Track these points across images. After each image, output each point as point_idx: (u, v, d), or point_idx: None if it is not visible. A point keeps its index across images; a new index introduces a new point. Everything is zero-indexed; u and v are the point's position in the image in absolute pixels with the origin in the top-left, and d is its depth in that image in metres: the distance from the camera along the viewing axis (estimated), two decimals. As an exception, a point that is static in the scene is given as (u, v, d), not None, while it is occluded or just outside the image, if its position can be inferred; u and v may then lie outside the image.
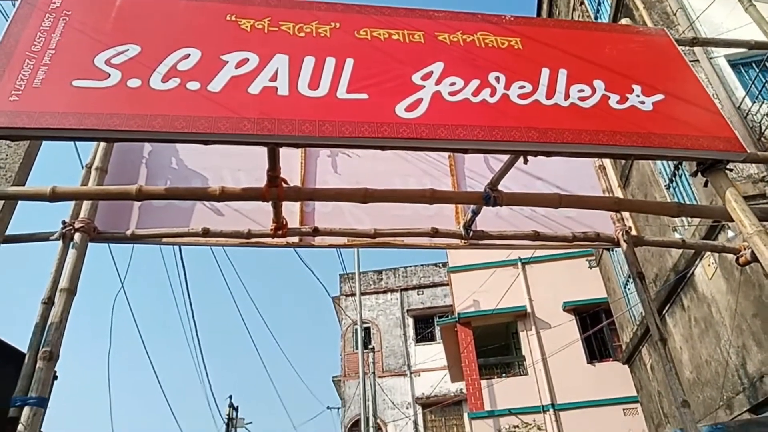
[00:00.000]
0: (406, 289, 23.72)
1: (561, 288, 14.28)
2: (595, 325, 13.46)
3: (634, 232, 4.16)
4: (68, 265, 3.32)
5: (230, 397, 21.73)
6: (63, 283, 3.24)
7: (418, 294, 23.60)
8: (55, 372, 8.67)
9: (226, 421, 20.71)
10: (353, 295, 20.36)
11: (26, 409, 2.86)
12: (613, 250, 10.90)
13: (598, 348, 13.91)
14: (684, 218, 7.30)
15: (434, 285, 23.59)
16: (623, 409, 12.63)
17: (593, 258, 13.31)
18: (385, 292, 23.71)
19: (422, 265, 24.46)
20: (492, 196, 3.40)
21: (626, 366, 11.18)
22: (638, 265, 3.89)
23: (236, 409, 21.52)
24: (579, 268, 14.45)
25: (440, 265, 23.73)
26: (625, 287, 10.57)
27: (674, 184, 7.60)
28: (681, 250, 7.46)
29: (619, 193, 4.31)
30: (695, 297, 7.46)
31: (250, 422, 22.35)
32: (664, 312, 8.36)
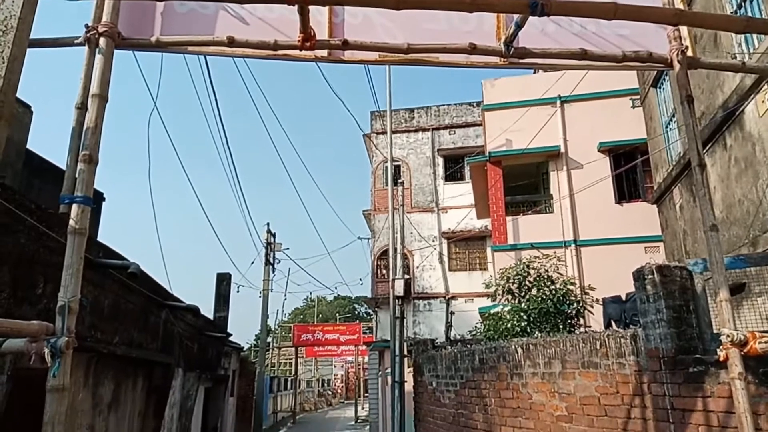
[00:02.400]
0: (437, 129, 23.48)
1: (598, 128, 13.88)
2: (629, 167, 13.31)
3: (690, 53, 3.82)
4: (96, 71, 3.27)
5: (267, 224, 23.12)
6: (93, 89, 3.23)
7: (449, 134, 23.38)
8: (102, 193, 9.05)
9: (265, 245, 22.32)
10: (384, 132, 20.29)
11: (74, 207, 3.04)
12: (660, 87, 10.28)
13: (628, 189, 13.91)
14: (746, 48, 6.69)
15: (466, 125, 23.23)
16: (645, 247, 12.98)
17: (637, 97, 12.67)
18: (416, 131, 23.55)
19: (455, 104, 23.85)
20: (539, 3, 3.09)
21: (654, 206, 11.25)
22: (689, 88, 3.63)
23: (274, 236, 23.03)
24: (620, 107, 13.87)
25: (474, 104, 23.09)
26: (666, 126, 10.17)
27: (743, 10, 6.85)
28: (734, 86, 7.00)
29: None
30: (740, 136, 7.15)
31: (288, 248, 23.96)
32: (704, 152, 8.10)
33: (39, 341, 2.77)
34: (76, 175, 3.12)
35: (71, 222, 3.02)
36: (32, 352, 2.75)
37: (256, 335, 26.40)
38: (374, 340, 21.92)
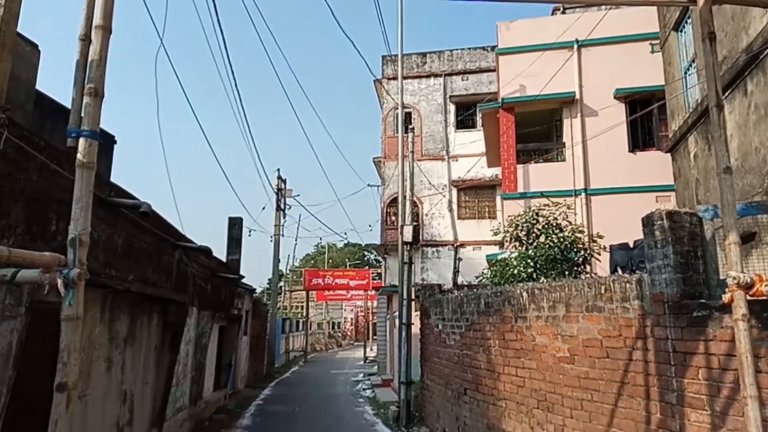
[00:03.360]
0: (450, 74, 22.93)
1: (615, 74, 13.47)
2: (645, 114, 13.00)
3: (715, -12, 3.64)
4: (99, 2, 3.20)
5: (278, 170, 23.13)
6: (96, 20, 3.16)
7: (462, 80, 22.85)
8: (113, 136, 9.01)
9: (276, 191, 22.42)
10: (395, 78, 19.87)
11: (81, 141, 3.04)
12: (681, 30, 9.90)
13: (642, 137, 13.65)
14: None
15: (480, 71, 22.65)
16: (656, 197, 12.85)
17: (657, 42, 12.22)
18: (428, 76, 23.03)
19: (469, 48, 23.18)
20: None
21: (668, 155, 11.06)
22: (711, 25, 3.48)
23: (284, 181, 23.09)
24: (638, 52, 13.40)
25: (488, 48, 22.44)
26: (685, 72, 9.86)
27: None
28: (761, 28, 6.71)
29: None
30: (762, 81, 6.92)
31: (298, 195, 24.02)
32: (723, 96, 7.87)
33: (52, 272, 2.84)
34: (83, 109, 3.11)
35: (79, 156, 3.04)
36: (46, 283, 2.83)
37: (268, 279, 27.14)
38: (383, 285, 22.31)
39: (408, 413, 11.27)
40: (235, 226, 16.23)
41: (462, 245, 20.88)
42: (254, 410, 13.77)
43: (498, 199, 20.61)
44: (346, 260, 66.50)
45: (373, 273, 35.43)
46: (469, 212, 21.43)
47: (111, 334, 6.20)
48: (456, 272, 17.70)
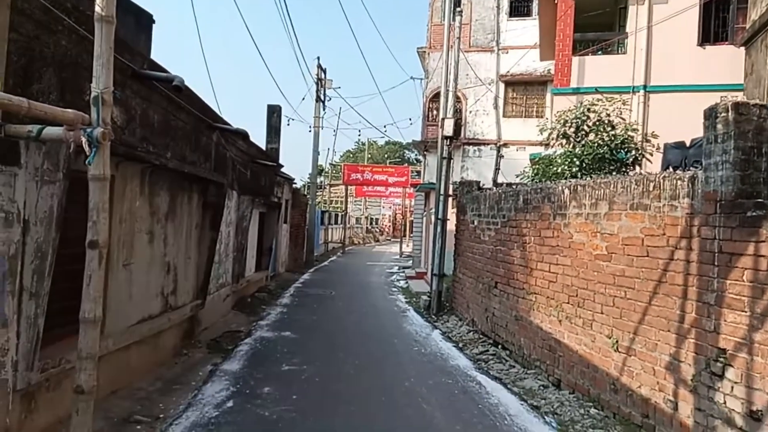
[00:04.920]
0: (506, -45, 20.89)
1: (694, -47, 11.92)
2: (722, 3, 11.65)
3: None
4: None
5: (318, 58, 22.41)
6: None
7: (519, -39, 20.84)
8: (151, 15, 8.70)
9: (315, 80, 21.90)
10: (446, -42, 18.24)
11: (99, -9, 2.85)
12: None
13: (715, 30, 12.33)
14: None
15: (540, -49, 20.52)
16: (721, 97, 11.82)
17: None
18: (482, -44, 21.06)
19: (530, -76, 20.84)
20: None
21: (741, 50, 10.01)
22: None
23: (324, 71, 22.46)
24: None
25: (552, -75, 20.14)
26: (780, -50, 8.57)
27: None
28: None
29: None
30: None
31: (339, 87, 23.46)
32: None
33: (76, 130, 2.79)
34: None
35: (97, 9, 2.86)
36: (71, 141, 2.80)
37: (309, 174, 27.48)
38: (422, 182, 22.21)
39: (439, 303, 11.60)
40: (274, 114, 16.09)
41: (505, 145, 20.24)
42: (293, 291, 14.49)
43: (548, 96, 19.59)
44: (386, 158, 66.39)
45: (412, 171, 35.30)
46: (516, 110, 20.51)
47: (152, 208, 6.38)
48: (497, 170, 17.27)
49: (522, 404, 5.94)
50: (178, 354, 7.23)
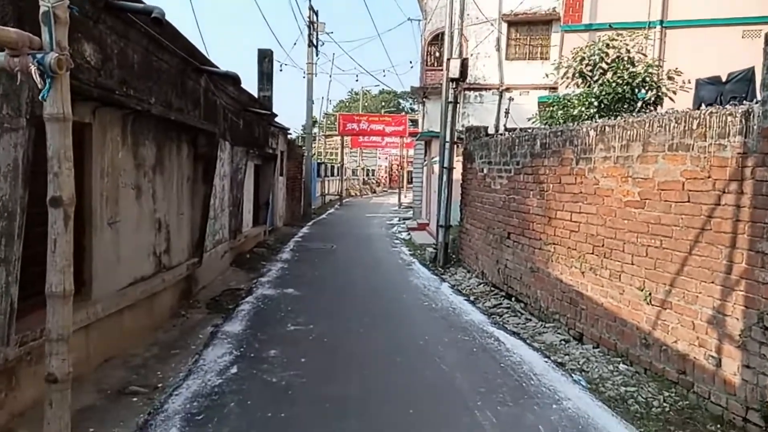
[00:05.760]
0: None
1: None
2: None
3: None
4: None
5: (309, 0, 21.13)
6: None
7: None
8: None
9: (307, 23, 20.71)
10: None
11: None
12: None
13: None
14: None
15: None
16: (743, 31, 11.13)
17: None
18: None
19: None
20: None
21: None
22: None
23: (316, 14, 21.22)
24: None
25: None
26: None
27: None
28: None
29: None
30: None
31: (332, 32, 22.28)
32: None
33: (22, 56, 2.17)
34: None
35: None
36: (16, 70, 2.18)
37: (302, 126, 26.33)
38: (420, 132, 21.45)
39: (446, 255, 11.19)
40: (265, 59, 15.14)
41: (508, 89, 19.39)
42: (293, 246, 14.05)
43: (554, 36, 18.65)
44: (381, 108, 64.85)
45: (408, 120, 34.35)
46: (519, 52, 19.53)
47: (137, 160, 5.78)
48: (507, 113, 16.50)
49: (546, 361, 5.57)
50: (176, 316, 6.80)
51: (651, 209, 5.28)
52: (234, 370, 5.02)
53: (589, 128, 6.28)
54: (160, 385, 4.66)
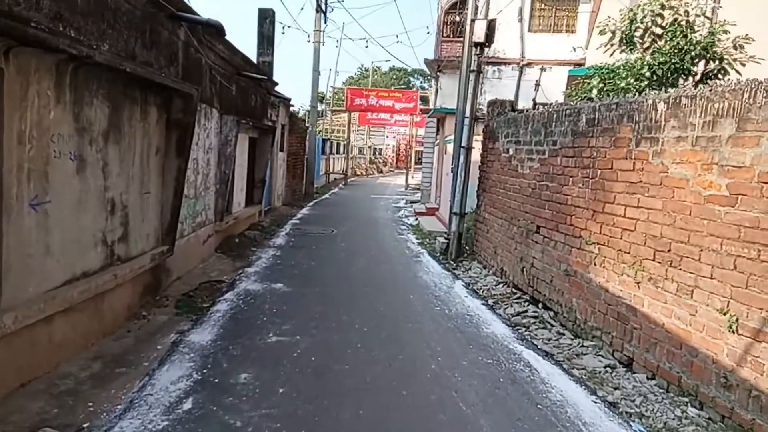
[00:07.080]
0: None
1: None
2: None
3: None
4: None
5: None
6: None
7: None
8: None
9: (313, -15, 19.12)
10: None
11: None
12: None
13: None
14: None
15: None
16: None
17: None
18: None
19: None
20: None
21: None
22: None
23: (325, -23, 19.60)
24: None
25: None
26: None
27: None
28: None
29: None
30: None
31: (340, -4, 20.68)
32: None
33: None
34: None
35: None
36: None
37: (308, 100, 24.67)
38: (432, 109, 20.02)
39: (459, 247, 9.93)
40: (266, 20, 13.70)
41: (529, 64, 17.89)
42: (289, 229, 12.82)
43: (581, 6, 17.12)
44: (391, 84, 62.91)
45: (419, 97, 32.80)
46: (543, 24, 17.96)
47: (79, 123, 4.51)
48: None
49: (594, 400, 4.33)
50: (135, 317, 5.60)
51: (746, 208, 3.98)
52: (188, 405, 3.79)
53: (657, 99, 4.94)
54: (85, 425, 3.45)
